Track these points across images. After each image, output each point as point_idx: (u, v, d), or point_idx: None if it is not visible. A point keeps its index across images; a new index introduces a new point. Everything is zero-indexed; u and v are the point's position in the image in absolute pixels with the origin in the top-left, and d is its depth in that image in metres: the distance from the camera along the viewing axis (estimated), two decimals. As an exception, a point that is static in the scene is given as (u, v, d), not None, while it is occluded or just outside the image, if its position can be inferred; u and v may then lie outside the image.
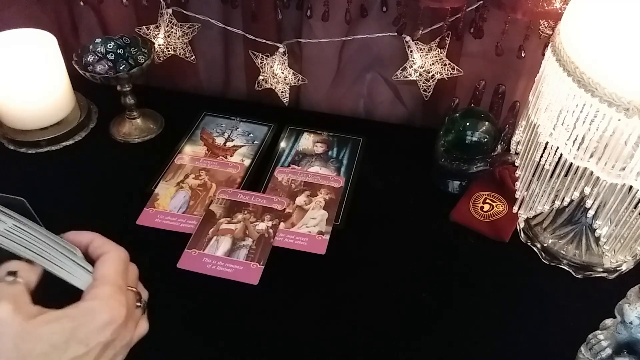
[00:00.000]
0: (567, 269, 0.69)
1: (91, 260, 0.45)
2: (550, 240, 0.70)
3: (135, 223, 0.74)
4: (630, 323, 0.48)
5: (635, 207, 0.57)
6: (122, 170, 0.83)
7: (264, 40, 0.88)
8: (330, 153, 0.86)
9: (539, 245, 0.71)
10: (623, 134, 0.50)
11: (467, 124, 0.74)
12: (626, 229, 0.60)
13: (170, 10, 0.87)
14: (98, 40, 0.84)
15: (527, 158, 0.62)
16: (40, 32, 0.83)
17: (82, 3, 0.92)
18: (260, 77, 0.91)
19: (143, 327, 0.45)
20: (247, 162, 0.84)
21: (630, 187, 0.55)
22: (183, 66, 0.95)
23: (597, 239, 0.65)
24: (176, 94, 0.99)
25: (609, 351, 0.51)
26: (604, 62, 0.49)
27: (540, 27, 0.75)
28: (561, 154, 0.56)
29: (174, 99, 0.97)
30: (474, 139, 0.74)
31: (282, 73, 0.88)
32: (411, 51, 0.82)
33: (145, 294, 0.47)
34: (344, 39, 0.86)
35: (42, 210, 0.78)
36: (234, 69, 0.97)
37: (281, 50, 0.87)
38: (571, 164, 0.56)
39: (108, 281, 0.42)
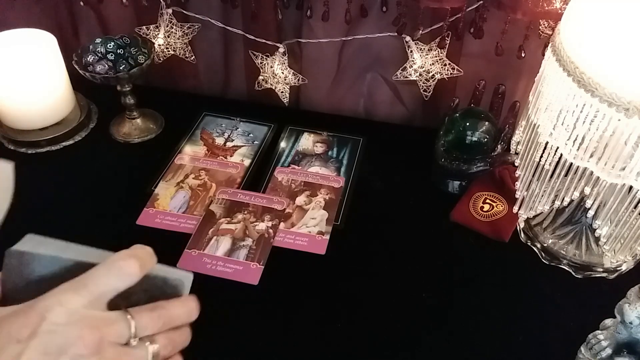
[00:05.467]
0: (567, 269, 0.69)
1: None
2: (550, 240, 0.70)
3: (135, 223, 0.74)
4: (630, 323, 0.48)
5: (635, 207, 0.57)
6: (122, 170, 0.83)
7: (264, 40, 0.88)
8: (330, 153, 0.86)
9: (539, 245, 0.71)
10: (623, 134, 0.50)
11: (467, 124, 0.74)
12: (626, 229, 0.60)
13: (170, 10, 0.87)
14: (98, 40, 0.84)
15: (527, 158, 0.62)
16: (40, 32, 0.83)
17: (82, 3, 0.92)
18: (260, 77, 0.91)
19: None
20: (247, 162, 0.84)
21: (630, 187, 0.55)
22: (183, 66, 0.95)
23: (597, 239, 0.65)
24: (176, 94, 0.99)
25: (609, 351, 0.51)
26: (604, 62, 0.49)
27: (540, 27, 0.75)
28: (561, 154, 0.56)
29: (174, 99, 0.97)
30: (474, 139, 0.74)
31: (282, 73, 0.88)
32: (411, 51, 0.82)
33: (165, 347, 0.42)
34: (344, 39, 0.86)
35: (42, 211, 0.79)
36: (234, 69, 0.97)
37: (281, 50, 0.87)
38: (571, 164, 0.56)
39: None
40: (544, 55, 0.59)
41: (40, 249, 0.43)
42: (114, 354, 0.39)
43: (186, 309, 0.45)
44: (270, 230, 0.72)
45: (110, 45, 0.83)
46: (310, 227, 0.73)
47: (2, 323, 0.38)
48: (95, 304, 0.40)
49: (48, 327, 0.38)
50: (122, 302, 0.42)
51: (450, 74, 0.83)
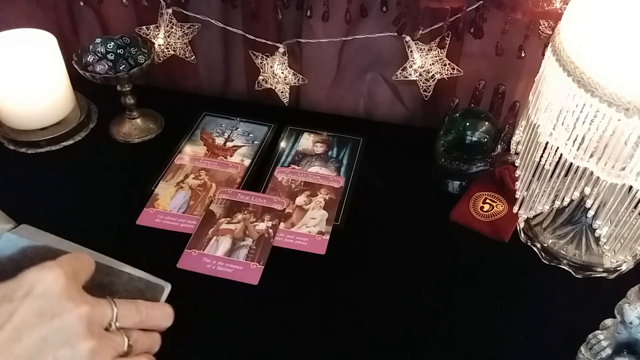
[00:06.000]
0: (567, 269, 0.69)
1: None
2: (550, 240, 0.70)
3: (135, 223, 0.74)
4: (630, 323, 0.48)
5: (635, 207, 0.57)
6: (122, 170, 0.83)
7: (264, 40, 0.88)
8: (330, 153, 0.86)
9: (539, 245, 0.71)
10: (623, 134, 0.50)
11: (467, 124, 0.74)
12: (626, 229, 0.60)
13: (170, 10, 0.87)
14: (98, 40, 0.83)
15: (527, 158, 0.62)
16: (40, 32, 0.83)
17: (82, 3, 0.92)
18: (260, 77, 0.91)
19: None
20: (247, 162, 0.84)
21: (630, 187, 0.55)
22: (183, 66, 0.95)
23: (597, 239, 0.65)
24: (176, 94, 0.99)
25: (609, 351, 0.51)
26: (604, 62, 0.49)
27: (540, 27, 0.75)
28: (561, 154, 0.56)
29: (174, 99, 0.97)
30: (474, 139, 0.74)
31: (282, 73, 0.88)
32: (411, 51, 0.82)
33: (141, 342, 0.45)
34: (344, 39, 0.86)
35: (42, 211, 0.78)
36: (234, 69, 0.97)
37: (281, 50, 0.87)
38: (571, 164, 0.56)
39: (57, 261, 0.43)
40: (544, 55, 0.59)
41: (36, 237, 0.45)
42: (99, 332, 0.40)
43: (163, 312, 0.48)
44: (270, 230, 0.72)
45: (110, 45, 0.83)
46: (310, 227, 0.73)
47: None
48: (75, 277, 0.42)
49: (43, 290, 0.39)
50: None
51: (450, 74, 0.83)
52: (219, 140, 0.88)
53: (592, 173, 0.55)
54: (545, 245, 0.70)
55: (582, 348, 0.55)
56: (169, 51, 0.91)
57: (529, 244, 0.72)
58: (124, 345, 0.42)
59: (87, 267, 0.44)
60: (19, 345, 0.37)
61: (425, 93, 0.85)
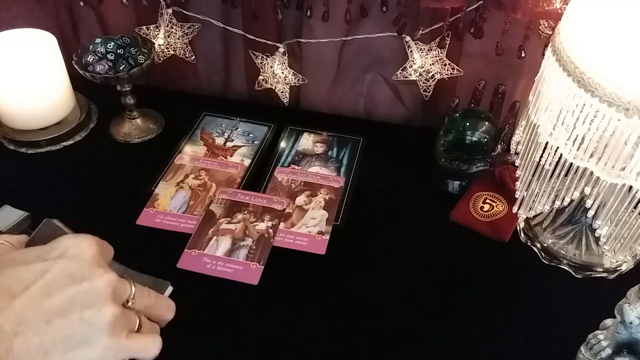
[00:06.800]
0: (567, 269, 0.69)
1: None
2: (550, 240, 0.70)
3: (135, 223, 0.74)
4: (630, 323, 0.48)
5: (635, 207, 0.57)
6: (122, 170, 0.83)
7: (264, 40, 0.88)
8: (330, 153, 0.86)
9: (539, 245, 0.71)
10: (623, 134, 0.50)
11: (467, 124, 0.74)
12: (626, 229, 0.60)
13: (170, 10, 0.87)
14: (98, 40, 0.84)
15: (527, 158, 0.62)
16: (40, 32, 0.83)
17: (82, 3, 0.92)
18: (260, 77, 0.91)
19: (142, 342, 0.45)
20: (247, 162, 0.84)
21: (630, 187, 0.55)
22: (183, 66, 0.95)
23: (597, 239, 0.65)
24: (176, 94, 0.99)
25: (608, 351, 0.51)
26: (604, 62, 0.49)
27: (540, 27, 0.75)
28: (561, 154, 0.56)
29: (174, 99, 0.97)
30: (474, 139, 0.74)
31: (282, 73, 0.88)
32: (411, 51, 0.82)
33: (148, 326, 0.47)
34: (344, 39, 0.86)
35: (42, 211, 0.78)
36: (234, 69, 0.97)
37: (281, 50, 0.87)
38: (571, 164, 0.56)
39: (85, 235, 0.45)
40: (544, 55, 0.59)
41: (70, 229, 0.49)
42: (120, 304, 0.43)
43: (167, 303, 0.50)
44: (270, 230, 0.72)
45: (110, 45, 0.83)
46: (310, 227, 0.73)
47: (32, 248, 0.42)
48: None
49: (76, 253, 0.41)
50: None
51: (450, 74, 0.83)
52: (219, 140, 0.88)
53: (592, 173, 0.55)
54: (545, 245, 0.70)
55: (582, 348, 0.55)
56: (169, 51, 0.91)
57: (529, 244, 0.72)
58: (136, 324, 0.44)
59: (110, 252, 0.46)
60: (49, 300, 0.38)
61: (425, 93, 0.85)
